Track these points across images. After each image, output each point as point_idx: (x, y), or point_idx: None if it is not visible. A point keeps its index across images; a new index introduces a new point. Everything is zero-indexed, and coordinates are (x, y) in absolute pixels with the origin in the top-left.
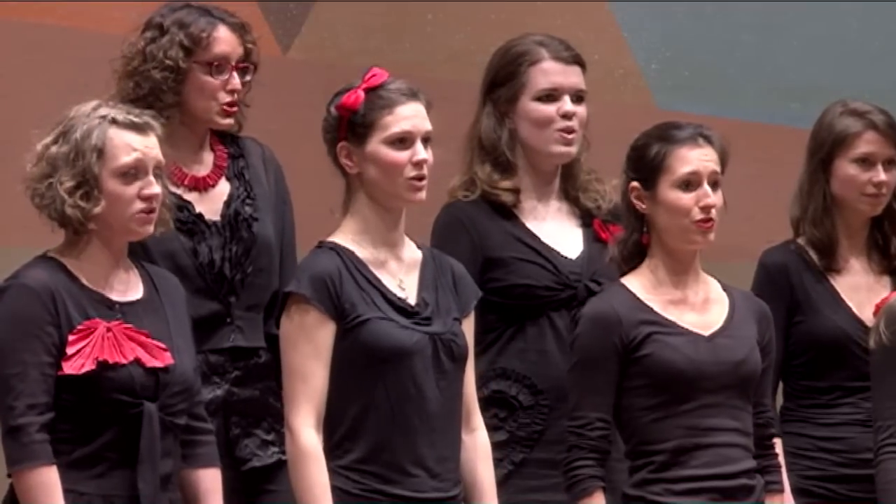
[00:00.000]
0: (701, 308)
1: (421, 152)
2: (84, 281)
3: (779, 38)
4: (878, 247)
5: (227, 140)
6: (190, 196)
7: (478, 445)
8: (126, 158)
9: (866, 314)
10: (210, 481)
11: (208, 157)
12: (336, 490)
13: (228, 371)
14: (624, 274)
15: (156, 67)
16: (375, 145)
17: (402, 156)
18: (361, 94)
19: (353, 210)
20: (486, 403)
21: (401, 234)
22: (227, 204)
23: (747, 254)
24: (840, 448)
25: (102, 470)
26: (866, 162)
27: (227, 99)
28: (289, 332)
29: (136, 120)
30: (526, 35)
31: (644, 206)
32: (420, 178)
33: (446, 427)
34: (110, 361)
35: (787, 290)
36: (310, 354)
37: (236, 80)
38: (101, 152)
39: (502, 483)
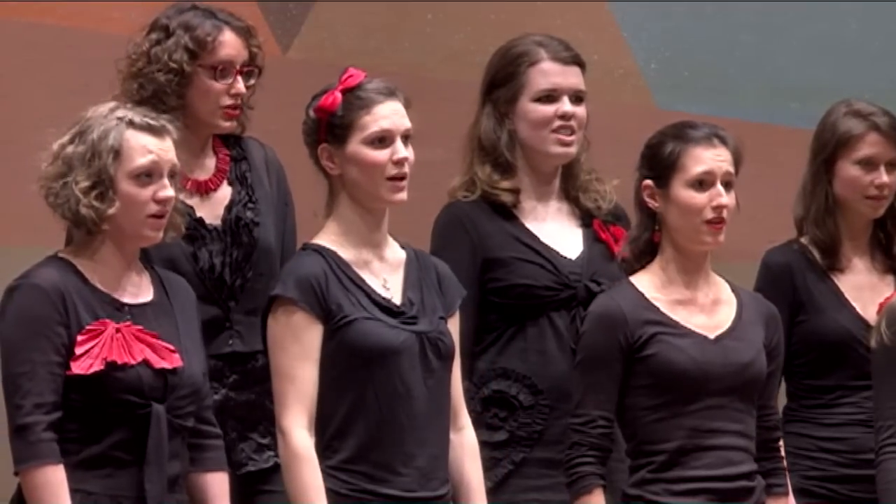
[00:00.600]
0: (709, 309)
1: (401, 150)
2: (94, 282)
3: (779, 38)
4: (881, 246)
5: (230, 142)
6: (191, 201)
7: (465, 444)
8: (142, 160)
9: (870, 313)
10: (218, 486)
11: (210, 161)
12: (325, 490)
13: (226, 376)
14: (634, 271)
15: (160, 70)
16: (355, 146)
17: (381, 155)
18: (339, 95)
19: (335, 212)
20: (486, 403)
21: (384, 235)
22: (229, 209)
23: (747, 254)
24: (842, 448)
25: (110, 470)
26: (869, 164)
27: (231, 102)
28: (276, 334)
29: (152, 122)
30: (525, 35)
31: (656, 204)
32: (401, 178)
33: (434, 426)
34: (119, 362)
35: (790, 290)
36: (298, 356)
37: (240, 84)
38: (117, 153)
39: (502, 483)
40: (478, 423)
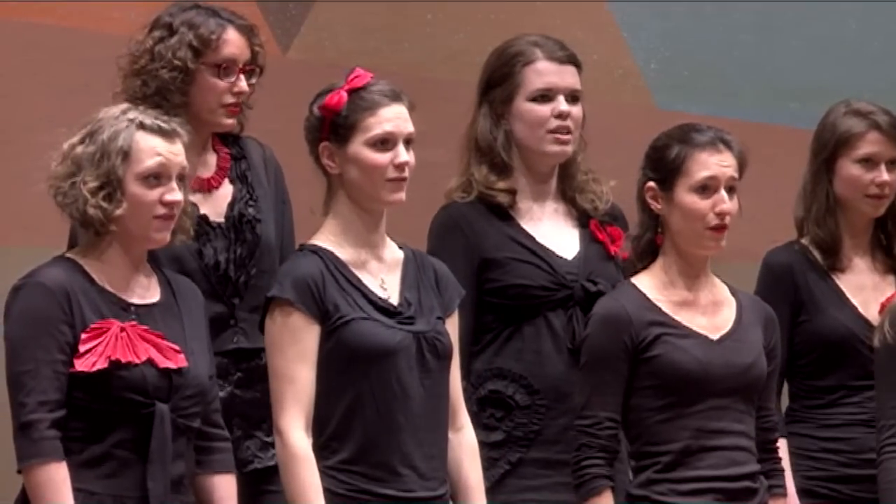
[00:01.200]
0: (710, 311)
1: (402, 154)
2: (101, 283)
3: (778, 38)
4: (882, 246)
5: (229, 141)
6: (194, 198)
7: (464, 444)
8: (150, 162)
9: (871, 313)
10: (225, 488)
11: (211, 159)
12: (323, 491)
13: (231, 373)
14: (637, 271)
15: (164, 67)
16: (357, 146)
17: (383, 157)
18: (344, 95)
19: (333, 211)
20: (482, 403)
21: (382, 235)
22: (231, 206)
23: (746, 254)
24: (844, 448)
25: (113, 469)
26: (869, 162)
27: (233, 100)
28: (274, 335)
29: (163, 126)
30: (521, 35)
31: (659, 207)
32: (401, 181)
33: (432, 425)
34: (123, 361)
35: (791, 290)
36: (296, 357)
37: (243, 83)
38: (126, 155)
39: (499, 483)
40: (475, 424)
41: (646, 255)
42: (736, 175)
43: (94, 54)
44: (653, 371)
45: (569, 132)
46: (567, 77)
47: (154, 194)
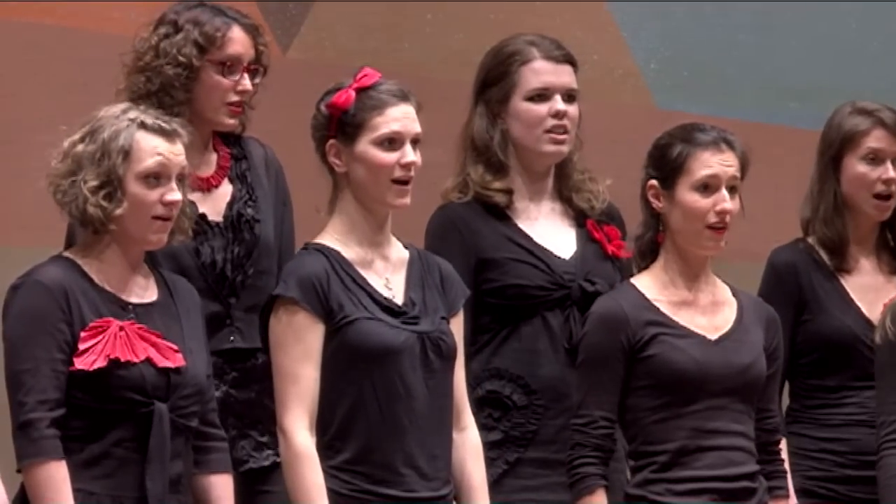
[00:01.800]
0: (709, 311)
1: (409, 154)
2: (99, 282)
3: (778, 38)
4: (888, 247)
5: (231, 141)
6: (193, 196)
7: (468, 444)
8: (150, 162)
9: (875, 314)
10: (222, 488)
11: (212, 158)
12: (327, 491)
13: (227, 372)
14: (639, 269)
15: (169, 63)
16: (364, 145)
17: (390, 157)
18: (352, 93)
19: (339, 209)
20: (480, 403)
21: (387, 234)
22: (230, 205)
23: (746, 254)
24: (844, 449)
25: (112, 469)
26: (875, 159)
27: (236, 99)
28: (278, 334)
29: (164, 125)
30: (517, 35)
31: (661, 205)
32: (406, 181)
33: (436, 426)
34: (122, 359)
35: (795, 290)
36: (300, 356)
37: (247, 82)
38: (127, 154)
39: (497, 483)
40: None
41: (647, 254)
42: (738, 175)
43: (94, 54)
44: (649, 371)
45: (565, 132)
46: (564, 76)
47: (154, 194)
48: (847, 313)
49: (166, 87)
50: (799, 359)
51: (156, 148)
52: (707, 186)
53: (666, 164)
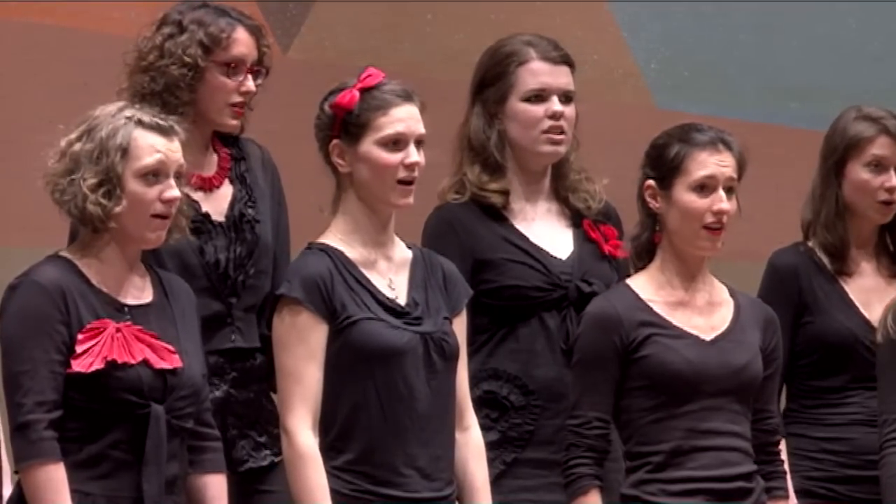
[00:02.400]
0: (706, 311)
1: (413, 155)
2: (95, 282)
3: (778, 38)
4: (888, 251)
5: (229, 141)
6: (196, 195)
7: (471, 444)
8: (149, 159)
9: (875, 317)
10: (216, 488)
11: (213, 158)
12: (330, 491)
13: (227, 372)
14: (637, 269)
15: (174, 63)
16: (368, 146)
17: (394, 157)
18: (356, 93)
19: (342, 209)
20: (477, 404)
21: (390, 234)
22: (231, 206)
23: (745, 254)
24: (844, 449)
25: (108, 470)
26: (879, 166)
27: (239, 100)
28: (282, 334)
29: (161, 123)
30: (514, 35)
31: (658, 205)
32: (410, 182)
33: (438, 426)
34: (119, 361)
35: (795, 292)
36: (303, 356)
37: (250, 83)
38: (125, 152)
39: (494, 483)
40: None
41: (644, 255)
42: (735, 175)
43: (94, 54)
44: (643, 371)
45: (562, 132)
46: (561, 77)
47: (153, 192)
48: (848, 315)
49: (171, 88)
50: (799, 360)
51: (154, 145)
52: (704, 187)
53: (663, 164)
